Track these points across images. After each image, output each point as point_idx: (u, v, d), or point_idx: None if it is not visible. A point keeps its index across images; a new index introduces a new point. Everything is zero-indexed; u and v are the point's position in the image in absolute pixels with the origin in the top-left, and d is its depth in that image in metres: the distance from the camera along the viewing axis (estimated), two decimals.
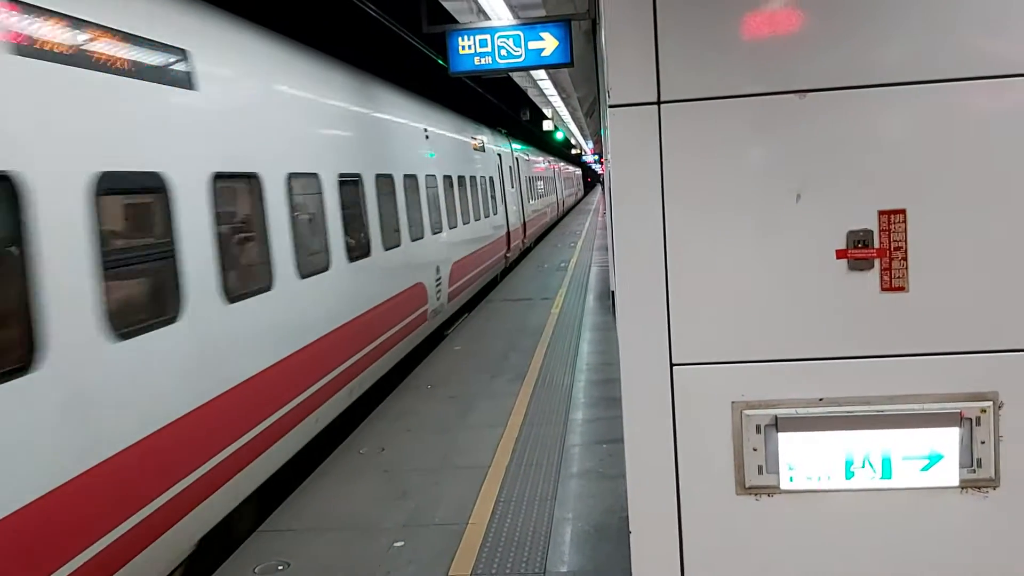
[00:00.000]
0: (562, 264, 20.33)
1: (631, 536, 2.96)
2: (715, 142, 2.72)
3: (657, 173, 2.74)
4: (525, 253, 24.37)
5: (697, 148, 2.72)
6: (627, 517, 2.94)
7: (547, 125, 30.90)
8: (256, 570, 4.87)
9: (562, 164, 46.69)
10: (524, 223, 23.66)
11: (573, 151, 60.68)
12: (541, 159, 33.04)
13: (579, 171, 61.86)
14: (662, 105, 2.71)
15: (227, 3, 6.37)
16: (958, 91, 2.65)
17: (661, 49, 2.70)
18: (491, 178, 18.45)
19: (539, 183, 30.63)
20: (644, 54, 2.70)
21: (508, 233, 20.21)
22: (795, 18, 2.69)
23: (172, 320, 4.62)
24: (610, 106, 2.77)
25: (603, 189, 37.61)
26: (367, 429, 7.56)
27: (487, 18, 8.48)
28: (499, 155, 20.38)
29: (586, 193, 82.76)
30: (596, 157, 50.80)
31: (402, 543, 5.06)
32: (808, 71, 2.68)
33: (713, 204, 2.74)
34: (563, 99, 22.04)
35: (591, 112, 24.99)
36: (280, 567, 4.89)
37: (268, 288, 5.76)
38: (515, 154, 23.68)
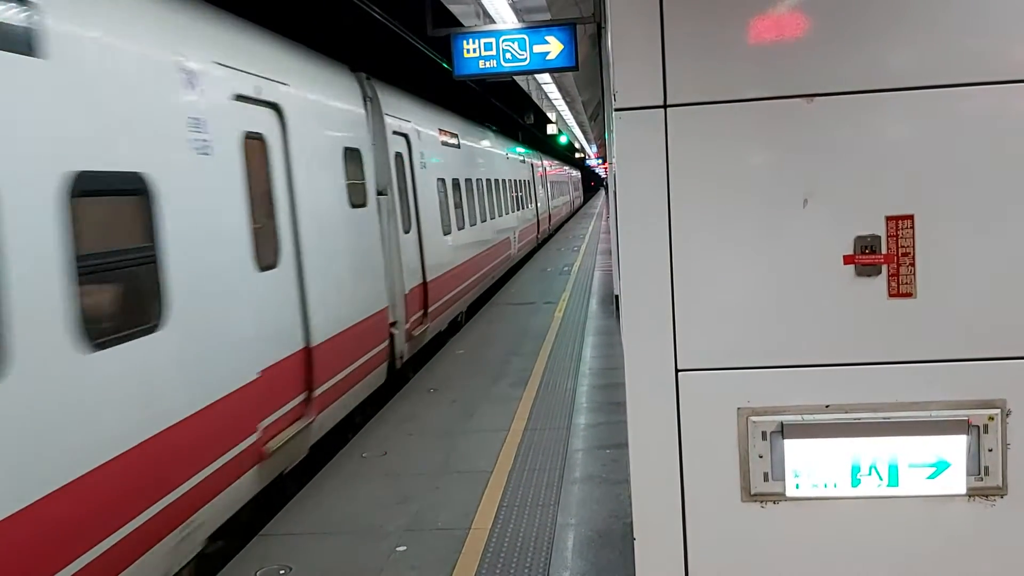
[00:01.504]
0: (565, 268, 20.30)
1: (635, 542, 2.94)
2: (721, 146, 2.70)
3: (663, 177, 2.72)
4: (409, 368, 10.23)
5: (703, 152, 2.71)
6: (630, 523, 2.92)
7: (551, 129, 30.92)
8: (258, 574, 4.86)
9: (555, 165, 35.79)
10: (424, 298, 10.48)
11: (577, 155, 60.68)
12: (503, 152, 20.50)
13: (577, 173, 55.00)
14: (668, 109, 2.70)
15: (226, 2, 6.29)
16: (967, 96, 2.63)
17: (668, 53, 2.68)
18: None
19: (498, 191, 18.53)
20: (650, 58, 2.68)
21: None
22: (802, 22, 2.68)
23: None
24: (616, 110, 2.76)
25: (606, 193, 37.53)
26: (369, 433, 7.54)
27: (492, 22, 8.48)
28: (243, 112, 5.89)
29: (591, 197, 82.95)
30: (599, 160, 50.83)
31: (404, 548, 5.04)
32: (815, 76, 2.66)
33: (719, 209, 2.72)
34: (567, 103, 22.06)
35: (595, 116, 25.02)
36: (282, 571, 4.87)
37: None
38: (391, 127, 9.71)
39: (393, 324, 8.85)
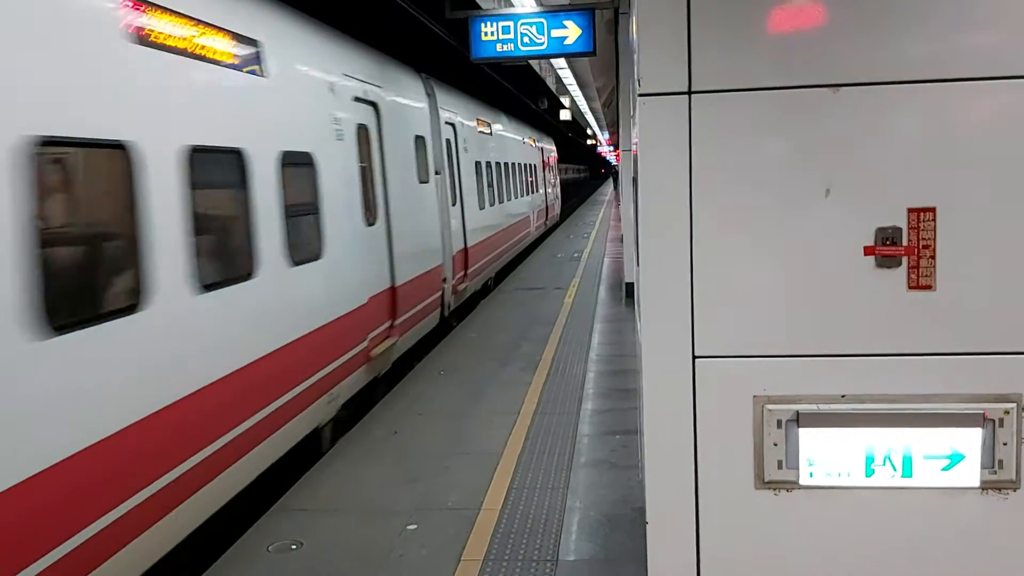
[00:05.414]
0: (575, 255, 20.31)
1: (647, 527, 2.96)
2: (745, 134, 2.71)
3: (685, 164, 2.73)
4: None
5: (727, 140, 2.71)
6: (639, 508, 2.95)
7: (564, 115, 30.81)
8: (270, 548, 4.91)
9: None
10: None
11: (589, 141, 60.33)
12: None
13: (548, 155, 27.95)
14: (693, 95, 2.70)
15: None
16: (993, 90, 2.63)
17: (694, 39, 2.68)
18: None
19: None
20: (676, 43, 2.69)
21: None
22: (829, 12, 2.67)
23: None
24: (640, 95, 2.76)
25: (615, 181, 37.32)
26: (380, 412, 7.59)
27: (510, 5, 8.45)
28: None
29: (601, 184, 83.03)
30: (611, 148, 50.64)
31: (415, 526, 5.09)
32: (841, 65, 2.66)
33: (741, 197, 2.73)
34: (581, 89, 21.97)
35: (608, 103, 24.89)
36: (293, 546, 4.92)
37: None
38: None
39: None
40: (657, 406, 2.88)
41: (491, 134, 16.53)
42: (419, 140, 10.07)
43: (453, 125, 12.33)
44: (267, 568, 4.72)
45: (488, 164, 15.58)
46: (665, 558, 2.93)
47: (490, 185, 15.57)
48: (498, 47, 8.11)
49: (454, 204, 11.94)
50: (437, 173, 10.83)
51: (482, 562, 4.60)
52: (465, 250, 12.44)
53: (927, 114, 2.67)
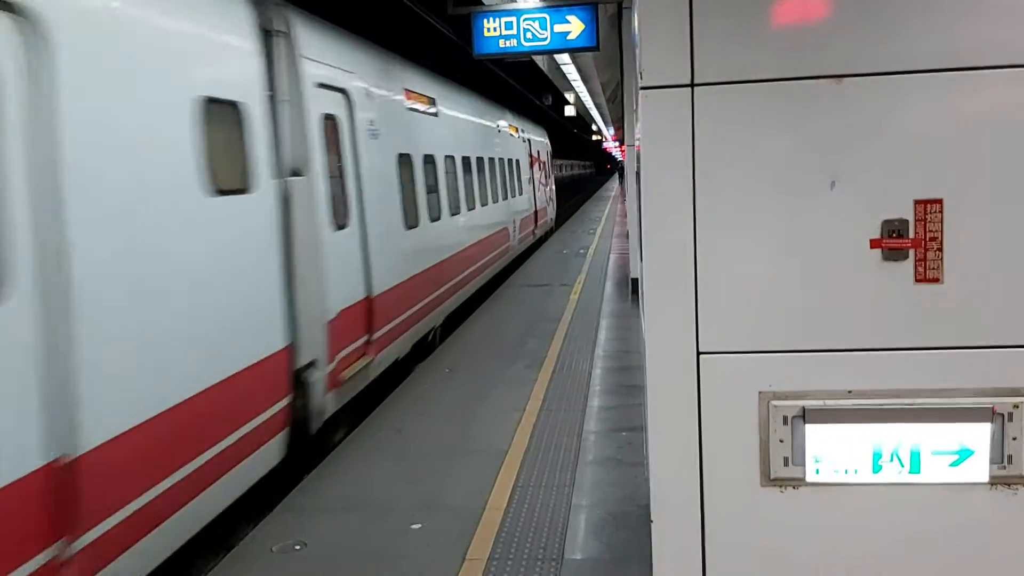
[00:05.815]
0: (581, 251, 20.28)
1: (652, 525, 2.93)
2: (749, 127, 2.67)
3: (688, 157, 2.70)
4: None
5: (730, 132, 2.68)
6: (645, 506, 2.91)
7: (569, 110, 30.78)
8: (273, 549, 4.90)
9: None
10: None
11: (595, 137, 60.13)
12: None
13: (538, 149, 23.43)
14: (696, 88, 2.67)
15: None
16: (1000, 79, 2.59)
17: (696, 31, 2.65)
18: None
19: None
20: (679, 35, 2.65)
21: None
22: (833, 2, 2.63)
23: None
24: (642, 88, 2.73)
25: (621, 177, 37.40)
26: (384, 411, 7.57)
27: (513, 0, 8.42)
28: None
29: (607, 179, 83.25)
30: (617, 143, 50.59)
31: (419, 525, 5.07)
32: (845, 56, 2.62)
33: (745, 190, 2.70)
34: (585, 84, 21.92)
35: (613, 98, 24.84)
36: (297, 547, 4.91)
37: None
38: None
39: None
40: (662, 403, 2.85)
41: (436, 114, 11.22)
42: (225, 110, 5.24)
43: (346, 92, 7.44)
44: (271, 568, 4.71)
45: (429, 158, 10.53)
46: (670, 556, 2.90)
47: (432, 190, 10.53)
48: (500, 43, 8.07)
49: (343, 227, 7.04)
50: (296, 174, 6.09)
51: (486, 561, 4.58)
52: (369, 300, 7.53)
53: (933, 104, 2.63)
